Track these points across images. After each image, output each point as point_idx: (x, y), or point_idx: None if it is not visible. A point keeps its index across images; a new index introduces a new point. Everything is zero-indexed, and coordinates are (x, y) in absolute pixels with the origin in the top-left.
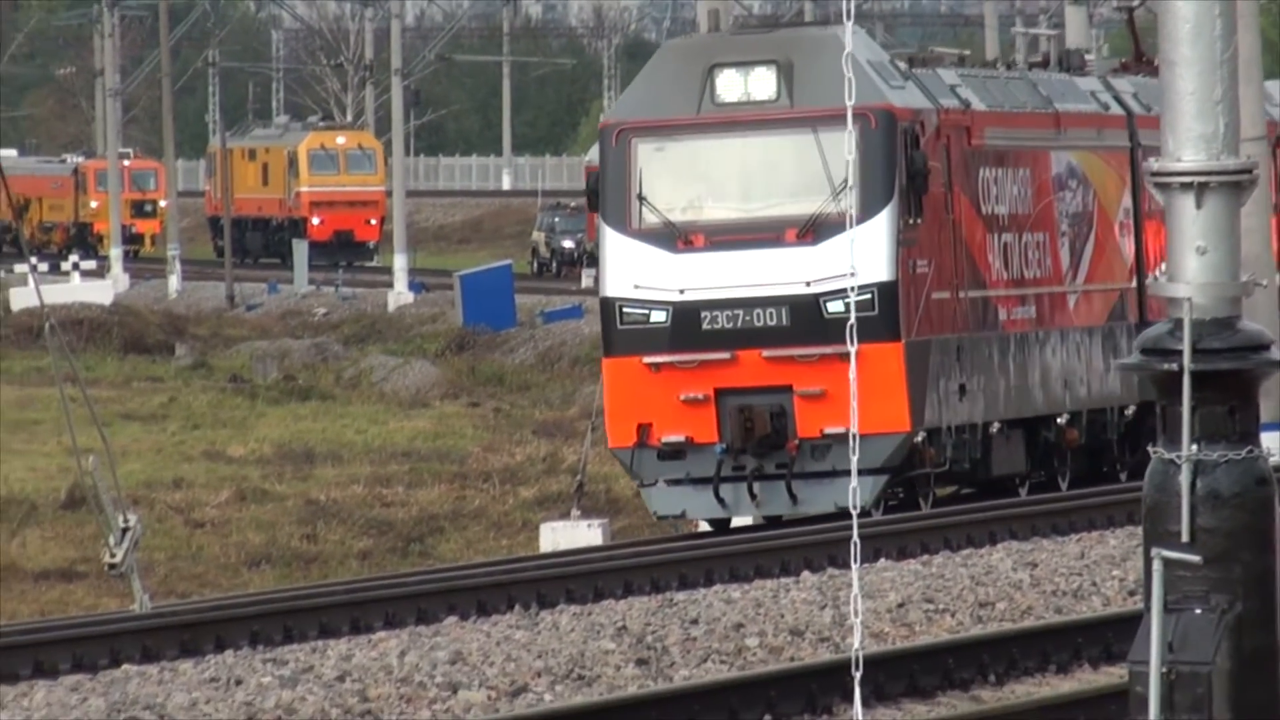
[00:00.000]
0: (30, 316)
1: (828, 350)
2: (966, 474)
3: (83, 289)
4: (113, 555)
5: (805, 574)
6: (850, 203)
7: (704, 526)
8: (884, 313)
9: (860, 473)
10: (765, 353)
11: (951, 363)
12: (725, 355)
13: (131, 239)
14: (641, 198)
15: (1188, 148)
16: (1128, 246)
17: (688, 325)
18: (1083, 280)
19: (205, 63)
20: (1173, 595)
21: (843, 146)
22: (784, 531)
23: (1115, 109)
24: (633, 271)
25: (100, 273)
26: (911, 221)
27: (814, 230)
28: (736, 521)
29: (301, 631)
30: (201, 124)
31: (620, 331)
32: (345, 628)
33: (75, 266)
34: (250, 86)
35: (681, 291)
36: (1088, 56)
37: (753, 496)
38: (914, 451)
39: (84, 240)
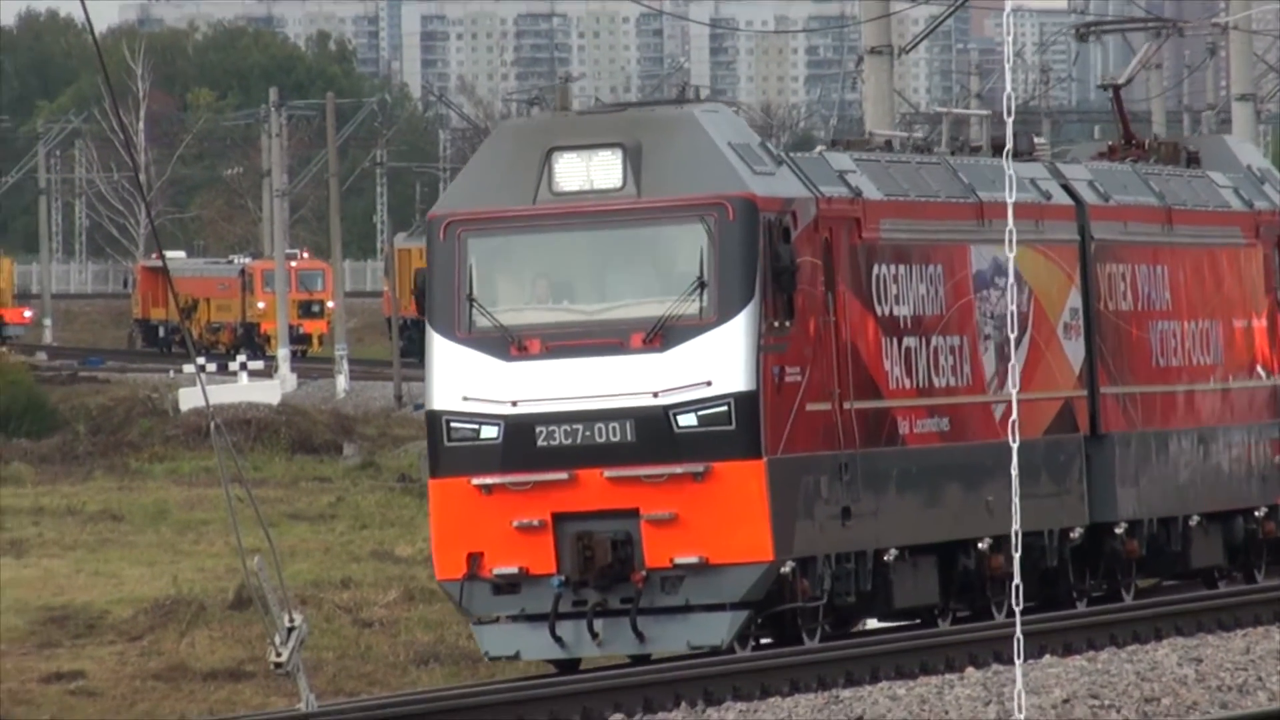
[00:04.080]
0: (199, 417)
1: (678, 469)
2: (855, 608)
3: (250, 389)
4: (278, 654)
5: (970, 670)
6: (704, 304)
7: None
8: (742, 427)
9: (716, 608)
10: (608, 472)
11: (832, 483)
12: (563, 475)
13: (299, 339)
14: (471, 299)
15: None
16: (1075, 350)
17: (521, 442)
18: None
19: (373, 162)
20: None
21: (696, 241)
22: (949, 629)
23: (1061, 198)
24: (461, 382)
25: (268, 373)
26: (779, 324)
27: (662, 335)
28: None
29: None
30: (369, 224)
31: (447, 449)
32: None
33: (243, 367)
34: (418, 186)
35: (514, 404)
36: (1037, 140)
37: (594, 635)
38: (781, 583)
39: (251, 340)
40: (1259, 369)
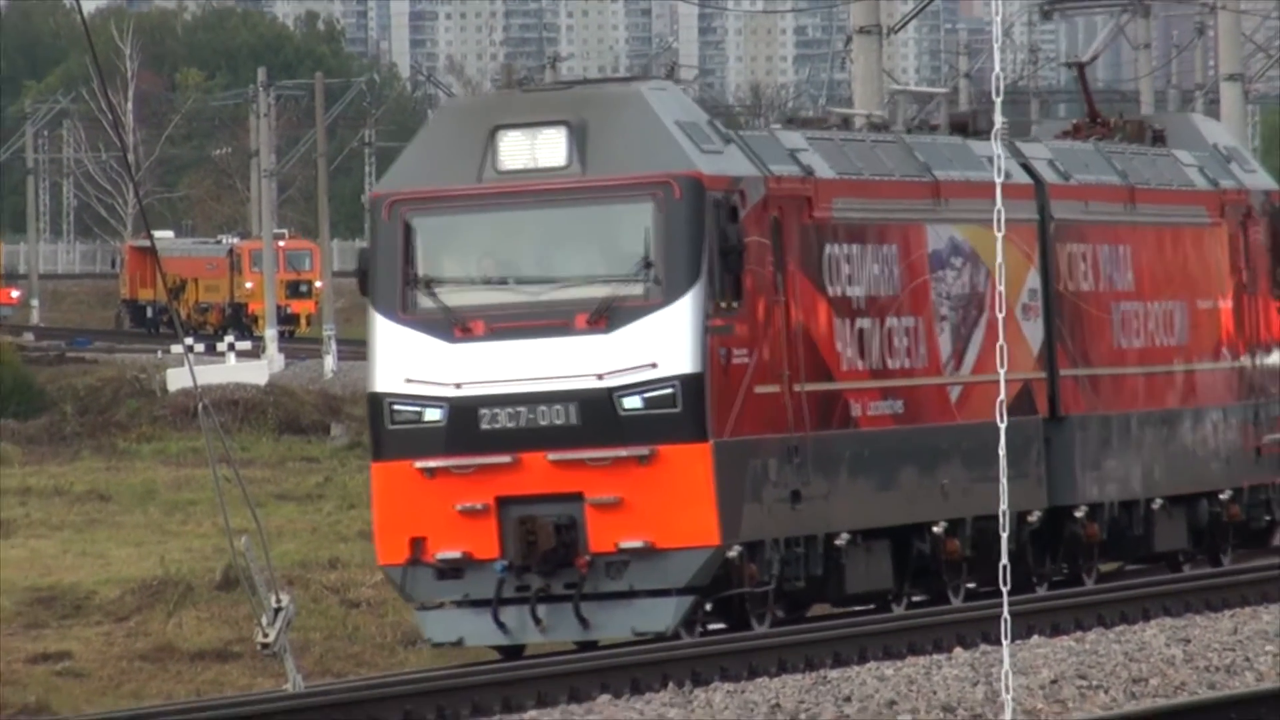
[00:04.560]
0: (187, 397)
1: (623, 452)
2: (805, 593)
3: (238, 370)
4: (265, 635)
5: (958, 650)
6: (650, 284)
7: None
8: (688, 409)
9: (660, 593)
10: (552, 456)
11: (781, 466)
12: (507, 459)
13: (287, 319)
14: (414, 280)
15: None
16: (1034, 331)
17: (465, 425)
18: (970, 370)
19: (361, 142)
20: None
21: (641, 220)
22: (937, 609)
23: (1020, 177)
24: (404, 364)
25: (255, 353)
26: (726, 305)
27: (607, 316)
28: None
29: (455, 711)
30: (357, 204)
31: (390, 432)
32: (497, 707)
33: (231, 347)
34: None
35: (458, 386)
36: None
37: (537, 621)
38: (728, 568)
39: (239, 321)
40: (1224, 350)
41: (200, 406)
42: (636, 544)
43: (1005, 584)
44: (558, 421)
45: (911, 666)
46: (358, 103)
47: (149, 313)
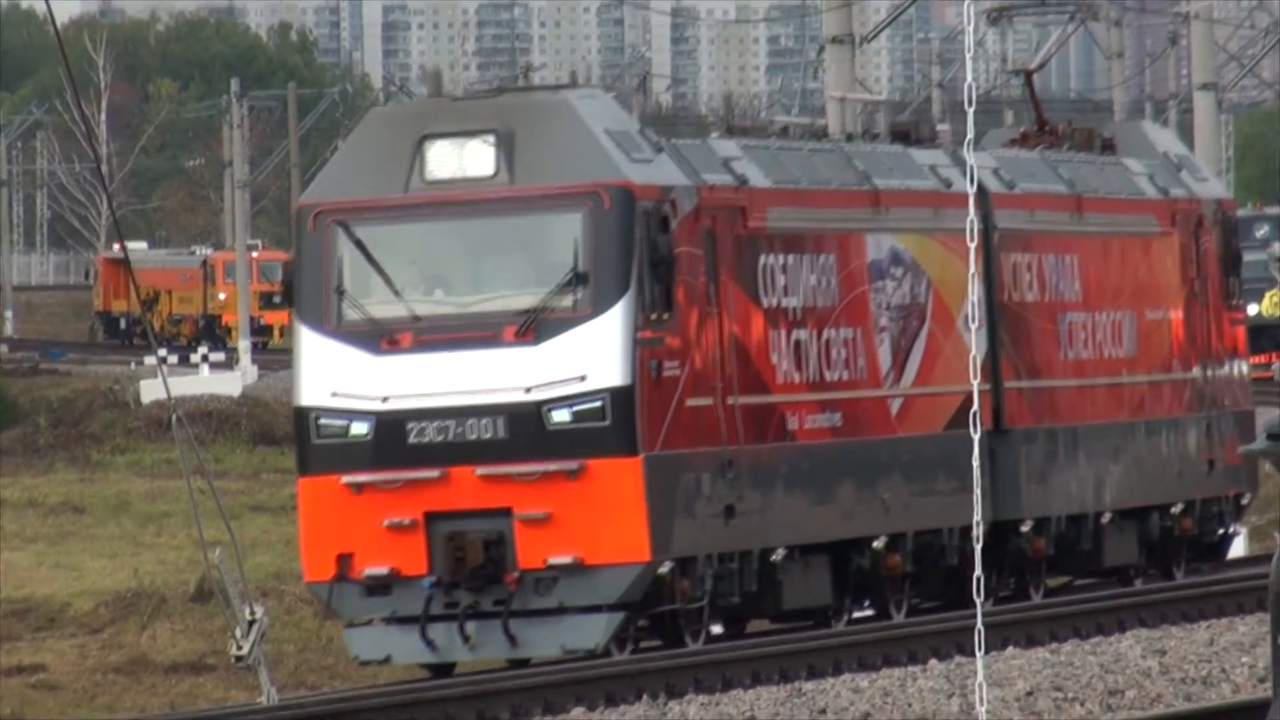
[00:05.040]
0: (160, 409)
1: (552, 467)
2: (739, 608)
3: (211, 381)
4: (239, 648)
5: (933, 662)
6: (579, 295)
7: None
8: (618, 423)
9: (590, 610)
10: (480, 470)
11: (715, 480)
12: (435, 473)
13: (260, 330)
14: (340, 291)
15: None
16: (978, 343)
17: (392, 439)
18: (911, 383)
19: (334, 153)
20: None
21: (570, 230)
22: (911, 620)
23: (962, 186)
24: (330, 377)
25: (229, 365)
26: (657, 317)
27: (535, 328)
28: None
29: None
30: None
31: (316, 447)
32: (472, 718)
33: (204, 359)
34: None
35: (385, 399)
36: (940, 127)
37: (465, 639)
38: (660, 584)
39: (212, 332)
40: (1175, 362)
41: (174, 418)
42: (566, 560)
43: (979, 595)
44: (486, 435)
45: (886, 679)
46: (331, 113)
47: (123, 324)
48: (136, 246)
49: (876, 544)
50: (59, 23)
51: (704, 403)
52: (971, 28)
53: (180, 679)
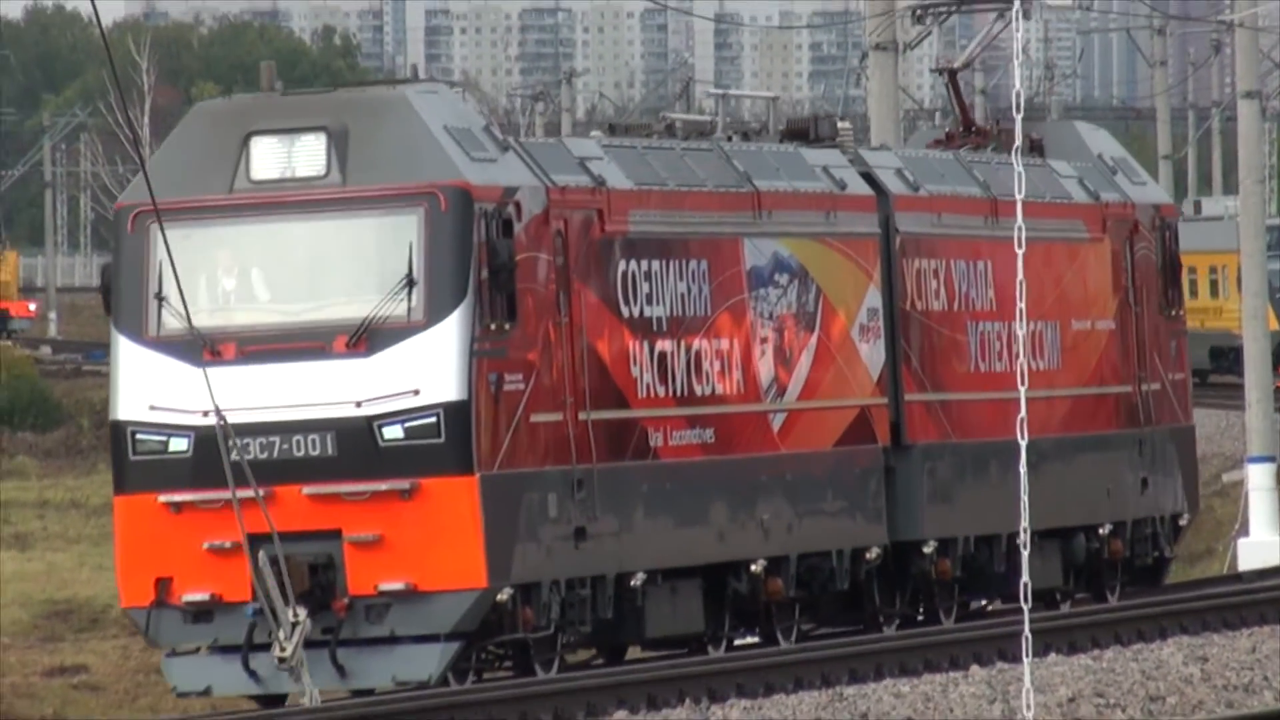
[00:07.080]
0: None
1: (383, 486)
2: (594, 638)
3: None
4: (283, 650)
5: (974, 668)
6: (413, 304)
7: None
8: (452, 440)
9: (425, 639)
10: (307, 489)
11: (563, 501)
12: (259, 493)
13: None
14: (160, 297)
15: None
16: (873, 354)
17: (213, 455)
18: (796, 397)
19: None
20: None
21: (404, 234)
22: (954, 626)
23: (858, 188)
24: (148, 389)
25: None
26: (497, 327)
27: (367, 338)
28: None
29: None
30: None
31: (133, 464)
32: (514, 719)
33: None
34: None
35: (206, 414)
36: (841, 125)
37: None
38: (499, 612)
39: None
40: (1105, 374)
41: (218, 424)
42: (398, 585)
43: (1026, 601)
44: (314, 452)
45: (928, 684)
46: None
47: None
48: None
49: (755, 567)
50: (104, 25)
51: (552, 418)
52: (1020, 35)
53: None
